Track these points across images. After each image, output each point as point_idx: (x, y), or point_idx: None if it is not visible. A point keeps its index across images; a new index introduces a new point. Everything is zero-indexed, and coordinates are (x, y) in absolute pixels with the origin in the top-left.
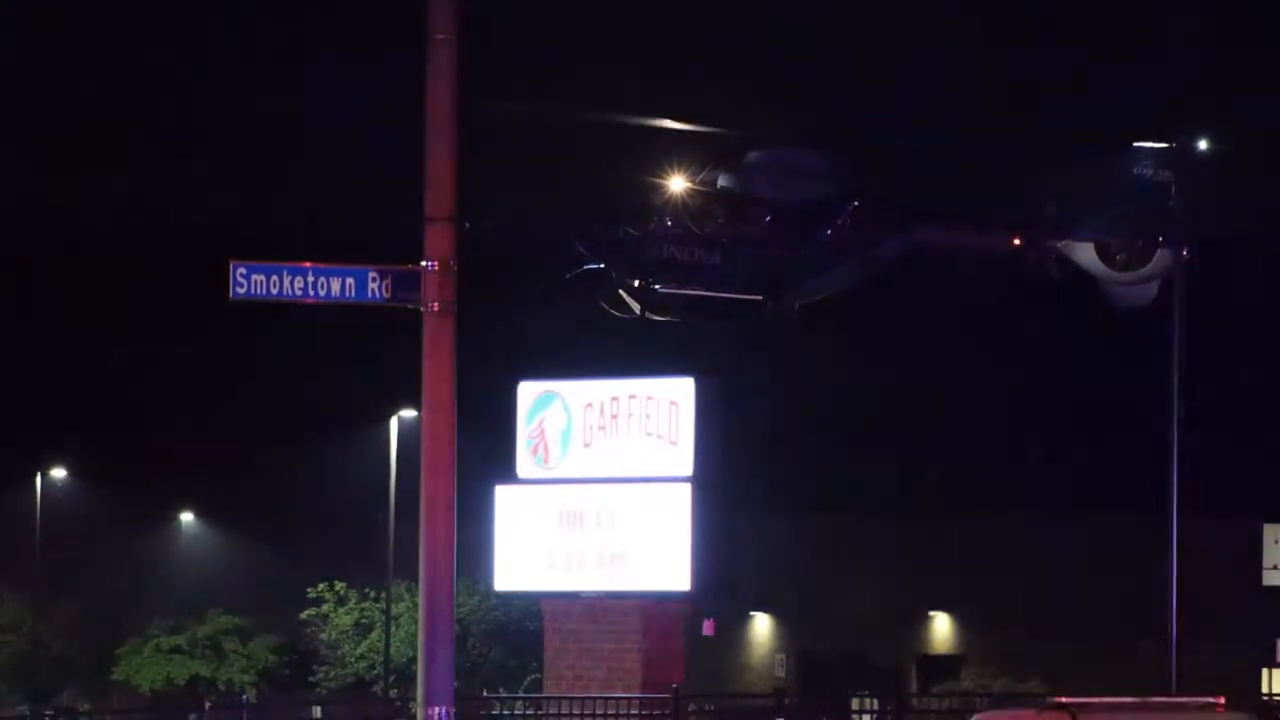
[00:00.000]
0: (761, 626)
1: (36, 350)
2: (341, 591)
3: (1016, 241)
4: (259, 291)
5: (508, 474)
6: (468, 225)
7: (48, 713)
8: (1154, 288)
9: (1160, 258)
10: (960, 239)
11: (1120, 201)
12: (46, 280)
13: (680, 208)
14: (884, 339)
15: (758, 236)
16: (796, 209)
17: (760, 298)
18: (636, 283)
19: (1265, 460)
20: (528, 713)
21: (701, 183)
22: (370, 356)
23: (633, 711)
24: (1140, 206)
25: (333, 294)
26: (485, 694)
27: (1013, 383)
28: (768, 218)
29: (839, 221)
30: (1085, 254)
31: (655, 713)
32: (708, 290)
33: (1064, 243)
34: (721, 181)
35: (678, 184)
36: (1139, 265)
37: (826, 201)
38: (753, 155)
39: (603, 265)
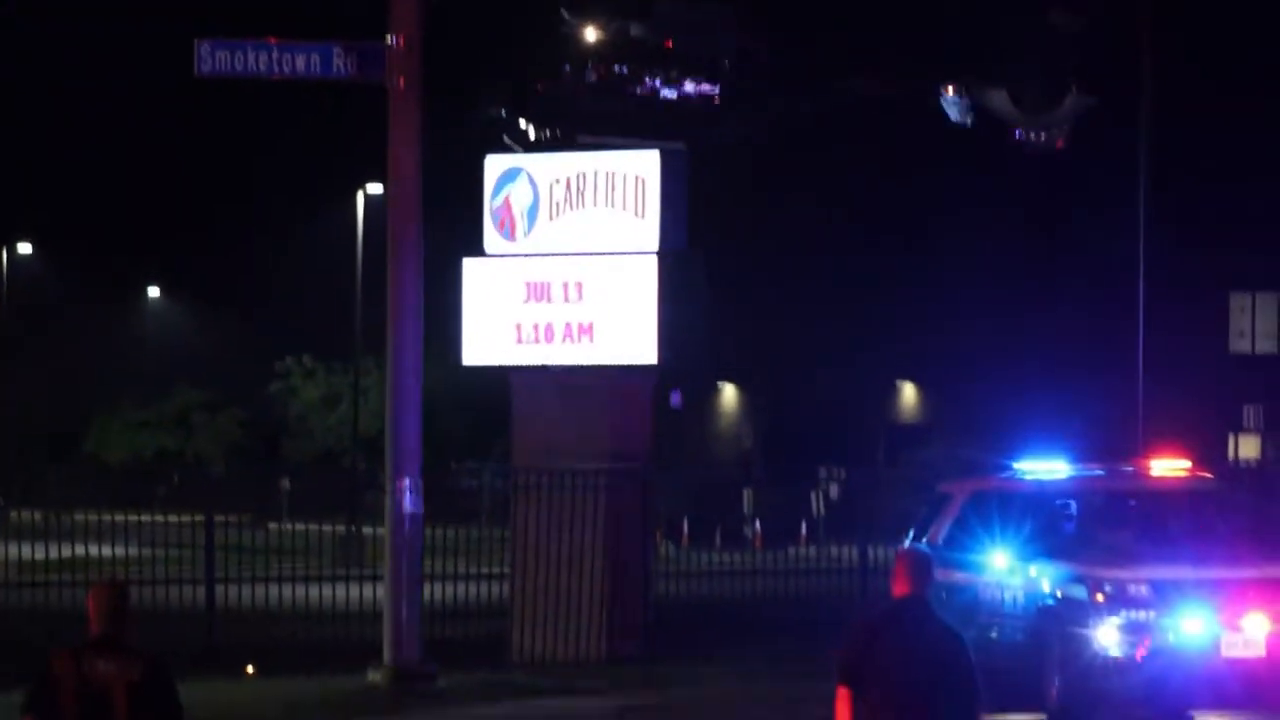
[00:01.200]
0: (729, 398)
1: (7, 123)
2: (309, 365)
3: (950, 90)
4: (224, 68)
5: (476, 249)
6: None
7: None
8: (1063, 132)
9: (1069, 104)
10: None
11: (1030, 49)
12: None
13: (592, 57)
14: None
15: (667, 85)
16: (704, 59)
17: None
18: (548, 133)
19: (1231, 233)
20: (495, 483)
21: (613, 33)
22: (338, 132)
23: (600, 482)
24: (1049, 54)
25: (297, 70)
26: (454, 465)
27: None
28: (675, 68)
29: (746, 72)
30: (999, 100)
31: (622, 482)
32: (623, 138)
33: (977, 89)
34: (633, 31)
35: (590, 34)
36: (1048, 110)
37: (734, 52)
38: (663, 4)
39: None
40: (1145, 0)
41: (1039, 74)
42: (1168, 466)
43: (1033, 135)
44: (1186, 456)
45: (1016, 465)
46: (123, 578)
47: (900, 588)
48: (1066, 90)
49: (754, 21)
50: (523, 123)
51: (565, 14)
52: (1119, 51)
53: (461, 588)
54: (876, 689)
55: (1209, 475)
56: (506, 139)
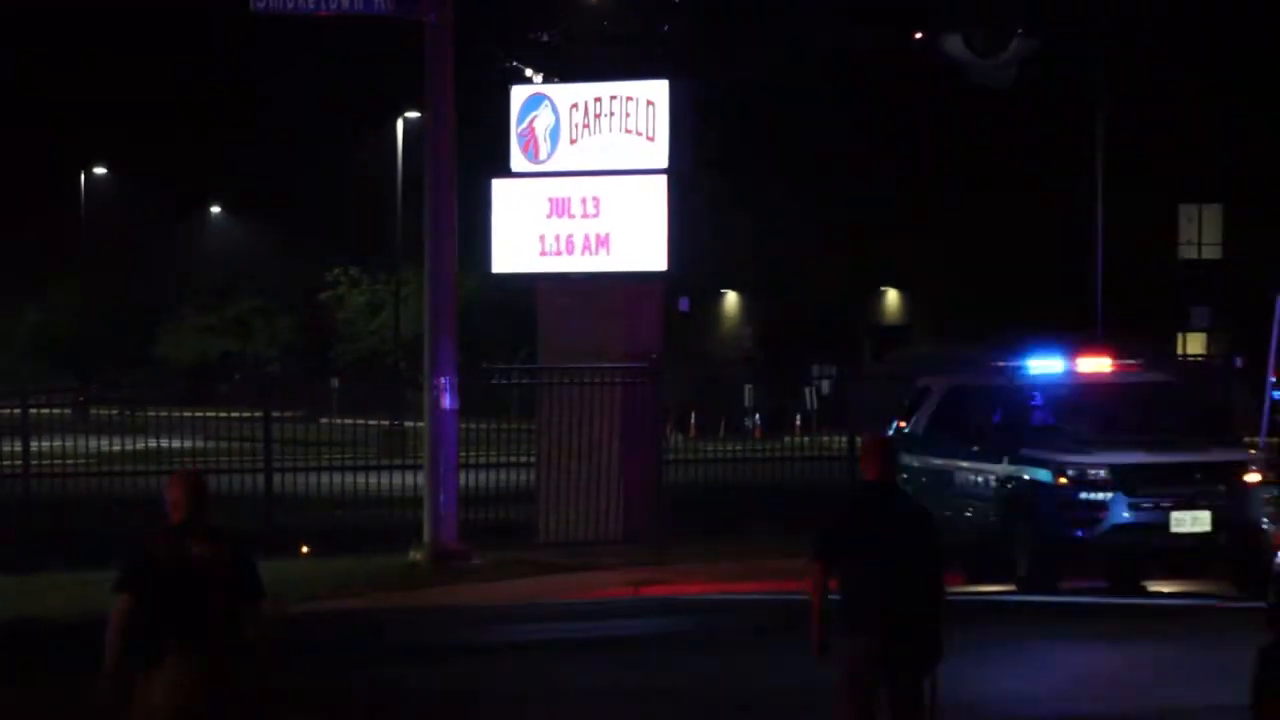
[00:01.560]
0: (731, 303)
1: (87, 63)
2: (355, 275)
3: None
4: (276, 6)
5: (504, 170)
6: None
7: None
8: (1011, 71)
9: (1015, 45)
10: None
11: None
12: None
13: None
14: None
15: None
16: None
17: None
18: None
19: (1183, 144)
20: (523, 381)
21: None
22: (378, 63)
23: (616, 380)
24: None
25: (343, 7)
26: (485, 365)
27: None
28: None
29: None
30: (953, 44)
31: (636, 380)
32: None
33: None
34: None
35: None
36: (998, 51)
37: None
38: None
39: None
40: None
41: (988, 21)
42: (1094, 363)
43: (984, 71)
44: (1110, 355)
45: (992, 362)
46: (194, 467)
47: (869, 472)
48: (1012, 36)
49: None
50: (528, 71)
51: None
52: None
53: (494, 475)
54: (847, 562)
55: (1162, 371)
56: (528, 73)
